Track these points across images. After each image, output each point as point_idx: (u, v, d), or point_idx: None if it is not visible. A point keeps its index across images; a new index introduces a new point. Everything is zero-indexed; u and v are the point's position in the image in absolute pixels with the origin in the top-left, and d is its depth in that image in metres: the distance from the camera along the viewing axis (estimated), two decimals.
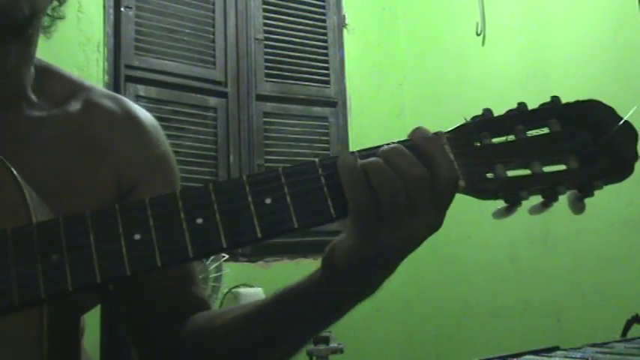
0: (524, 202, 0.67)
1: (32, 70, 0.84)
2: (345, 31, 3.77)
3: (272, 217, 0.62)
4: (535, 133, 0.68)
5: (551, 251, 2.93)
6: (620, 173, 0.66)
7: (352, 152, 0.65)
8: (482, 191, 0.66)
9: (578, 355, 1.18)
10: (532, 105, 0.70)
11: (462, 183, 0.65)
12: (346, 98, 3.70)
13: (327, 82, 3.65)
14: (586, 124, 0.67)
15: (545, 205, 0.67)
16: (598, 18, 2.86)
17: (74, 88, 0.88)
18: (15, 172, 0.63)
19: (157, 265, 0.60)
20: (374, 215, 0.62)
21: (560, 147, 0.67)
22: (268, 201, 0.62)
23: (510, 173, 0.66)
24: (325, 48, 3.67)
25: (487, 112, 0.69)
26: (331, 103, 3.66)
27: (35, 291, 0.58)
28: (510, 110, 0.69)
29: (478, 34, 3.39)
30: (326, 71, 3.66)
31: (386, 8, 3.93)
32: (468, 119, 0.68)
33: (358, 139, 3.63)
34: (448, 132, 0.67)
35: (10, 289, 0.58)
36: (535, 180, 0.66)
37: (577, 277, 2.81)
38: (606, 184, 0.67)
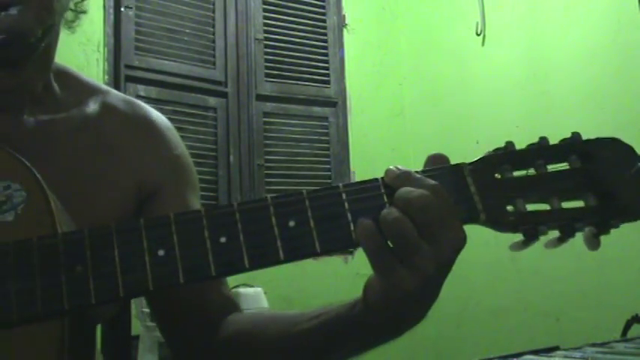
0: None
1: (50, 74, 0.85)
2: (345, 31, 3.77)
3: (295, 240, 0.62)
4: (555, 168, 0.68)
5: (551, 251, 2.92)
6: (638, 212, 0.66)
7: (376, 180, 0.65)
8: (501, 224, 0.66)
9: (578, 355, 1.18)
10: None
11: (482, 216, 0.65)
12: (346, 98, 3.70)
13: (327, 82, 3.65)
14: (606, 162, 0.67)
15: (561, 240, 0.68)
16: (598, 18, 2.86)
17: (91, 91, 0.89)
18: (41, 180, 0.63)
19: (180, 282, 0.60)
20: (393, 259, 0.61)
21: (579, 183, 0.67)
22: (292, 224, 0.62)
23: (530, 207, 0.67)
24: (325, 48, 3.67)
25: (509, 145, 0.69)
26: (331, 103, 3.66)
27: (59, 302, 0.58)
28: (531, 144, 0.69)
29: (478, 34, 3.39)
30: (326, 71, 3.66)
31: (386, 8, 3.93)
32: (490, 151, 0.69)
33: (358, 139, 3.63)
34: (470, 163, 0.67)
35: (34, 299, 0.58)
36: (554, 216, 0.66)
37: (577, 277, 2.81)
38: (623, 223, 0.67)
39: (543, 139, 0.69)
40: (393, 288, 0.61)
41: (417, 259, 0.61)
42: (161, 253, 0.60)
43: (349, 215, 0.63)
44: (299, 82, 3.56)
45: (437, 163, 0.66)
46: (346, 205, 0.63)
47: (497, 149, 0.69)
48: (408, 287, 0.61)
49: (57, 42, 0.84)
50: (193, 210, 0.63)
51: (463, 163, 0.67)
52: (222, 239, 0.61)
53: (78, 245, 0.60)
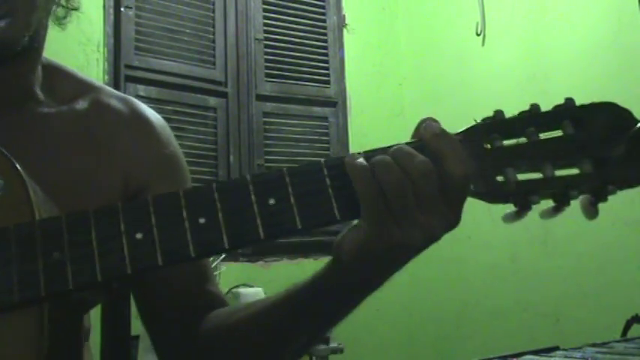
0: (534, 206, 0.65)
1: (39, 69, 0.85)
2: (345, 31, 3.77)
3: (275, 217, 0.61)
4: (548, 136, 0.66)
5: (551, 251, 2.93)
6: (636, 178, 0.64)
7: (359, 153, 0.65)
8: (491, 195, 0.64)
9: (578, 355, 1.18)
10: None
11: (470, 186, 0.63)
12: (346, 98, 3.70)
13: (327, 82, 3.65)
14: (601, 127, 0.65)
15: (556, 209, 0.65)
16: (598, 18, 2.86)
17: (83, 87, 0.89)
18: (20, 169, 0.62)
19: (158, 264, 0.60)
20: (385, 212, 0.61)
21: (573, 150, 0.65)
22: (272, 201, 0.61)
23: (521, 176, 0.64)
24: (325, 48, 3.67)
25: (498, 113, 0.67)
26: (331, 103, 3.66)
27: (35, 288, 0.58)
28: (522, 112, 0.67)
29: (478, 34, 3.39)
30: (326, 71, 3.66)
31: (386, 8, 3.93)
32: (478, 120, 0.67)
33: (358, 139, 3.63)
34: (457, 134, 0.66)
35: (10, 286, 0.57)
36: (547, 184, 0.64)
37: (577, 277, 2.81)
38: (621, 189, 0.64)
39: (534, 106, 0.67)
40: (376, 243, 0.62)
41: (410, 220, 0.61)
42: (139, 235, 0.60)
43: (331, 191, 0.62)
44: (299, 82, 3.56)
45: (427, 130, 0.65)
46: (327, 180, 0.63)
47: (485, 118, 0.67)
48: (394, 240, 0.62)
49: (45, 38, 0.84)
50: (171, 191, 0.62)
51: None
52: (201, 220, 0.60)
53: (55, 231, 0.60)
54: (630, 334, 2.02)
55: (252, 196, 0.61)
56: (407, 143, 0.65)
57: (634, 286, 2.53)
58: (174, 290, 0.85)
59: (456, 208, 0.63)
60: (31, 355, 0.58)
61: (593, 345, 1.26)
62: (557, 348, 1.26)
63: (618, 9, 2.75)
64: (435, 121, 0.66)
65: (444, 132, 0.65)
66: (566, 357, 1.19)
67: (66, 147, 0.82)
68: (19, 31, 0.74)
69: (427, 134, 0.65)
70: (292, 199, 0.62)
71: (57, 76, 0.87)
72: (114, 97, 0.90)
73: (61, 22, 0.89)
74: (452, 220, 0.63)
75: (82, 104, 0.86)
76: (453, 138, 0.64)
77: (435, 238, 0.63)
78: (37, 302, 0.58)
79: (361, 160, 0.63)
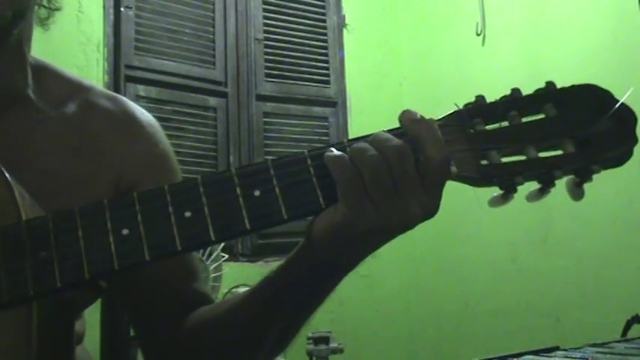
0: (521, 190, 0.65)
1: (28, 69, 0.83)
2: (345, 31, 3.77)
3: (261, 209, 0.62)
4: (530, 119, 0.66)
5: (551, 251, 2.93)
6: (619, 157, 0.65)
7: (341, 141, 0.65)
8: (476, 178, 0.65)
9: (578, 355, 1.18)
10: None
11: (453, 169, 0.64)
12: (346, 98, 3.70)
13: (327, 82, 3.65)
14: (583, 108, 0.66)
15: (542, 191, 0.65)
16: (598, 18, 2.86)
17: (73, 87, 0.88)
18: (4, 172, 0.62)
19: (146, 259, 0.60)
20: (363, 195, 0.61)
21: (556, 132, 0.65)
22: (257, 193, 0.62)
23: (505, 160, 0.65)
24: (325, 48, 3.67)
25: (480, 98, 0.67)
26: (331, 103, 3.66)
27: (24, 288, 0.58)
28: (504, 96, 0.68)
29: (478, 34, 3.39)
30: (326, 71, 3.66)
31: (386, 8, 3.93)
32: (460, 106, 0.67)
33: None
34: (440, 119, 0.66)
35: None
36: (530, 165, 0.65)
37: (577, 277, 2.81)
38: (605, 169, 0.65)
39: (516, 90, 0.68)
40: (351, 226, 0.62)
41: (387, 203, 0.61)
42: (125, 232, 0.60)
43: (315, 180, 0.63)
44: (299, 82, 3.56)
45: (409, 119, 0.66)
46: (312, 170, 0.63)
47: (467, 104, 0.67)
48: (370, 224, 0.62)
49: (30, 36, 0.83)
50: (157, 187, 0.63)
51: (432, 119, 0.66)
52: (187, 214, 0.61)
53: (42, 230, 0.60)
54: (630, 334, 2.02)
55: (238, 189, 0.62)
56: (387, 130, 0.65)
57: (634, 286, 2.53)
58: (159, 287, 0.85)
59: (434, 193, 0.63)
60: (20, 356, 0.57)
61: (593, 345, 1.26)
62: (557, 348, 1.26)
63: (618, 9, 2.75)
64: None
65: (422, 118, 0.65)
66: (566, 357, 1.19)
67: (57, 149, 0.82)
68: (1, 4, 0.72)
69: (406, 120, 0.65)
70: (277, 190, 0.62)
71: (46, 76, 0.86)
72: (103, 96, 0.90)
73: (43, 23, 0.88)
74: (429, 206, 0.63)
75: (72, 105, 0.85)
76: (431, 123, 0.65)
77: (411, 223, 0.63)
78: (27, 302, 0.58)
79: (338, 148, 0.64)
